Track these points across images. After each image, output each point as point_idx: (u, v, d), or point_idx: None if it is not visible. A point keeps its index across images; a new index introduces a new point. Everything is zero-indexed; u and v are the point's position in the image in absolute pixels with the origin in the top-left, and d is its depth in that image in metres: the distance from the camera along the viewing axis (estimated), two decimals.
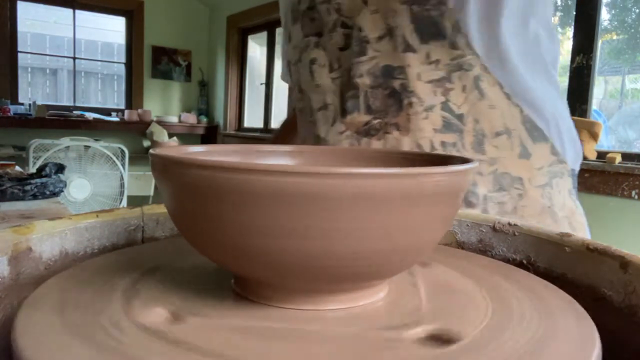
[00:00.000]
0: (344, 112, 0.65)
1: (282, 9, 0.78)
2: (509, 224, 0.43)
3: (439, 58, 0.60)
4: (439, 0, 0.58)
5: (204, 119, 5.19)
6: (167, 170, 0.27)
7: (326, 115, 0.67)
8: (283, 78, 0.92)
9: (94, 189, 2.83)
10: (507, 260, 0.42)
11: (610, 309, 0.34)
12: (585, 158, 2.12)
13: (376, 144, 0.62)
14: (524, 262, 0.41)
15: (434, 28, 0.59)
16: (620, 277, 0.34)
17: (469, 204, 0.60)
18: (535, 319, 0.28)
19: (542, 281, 0.35)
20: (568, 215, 0.64)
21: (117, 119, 4.82)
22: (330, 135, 0.66)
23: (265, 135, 4.39)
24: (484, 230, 0.44)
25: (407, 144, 0.61)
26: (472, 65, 0.59)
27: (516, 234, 0.42)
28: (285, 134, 0.96)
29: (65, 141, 2.87)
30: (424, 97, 0.60)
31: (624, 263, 0.34)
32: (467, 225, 0.45)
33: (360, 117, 0.63)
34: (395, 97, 0.61)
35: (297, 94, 0.74)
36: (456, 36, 0.59)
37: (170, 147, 0.35)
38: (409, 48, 0.60)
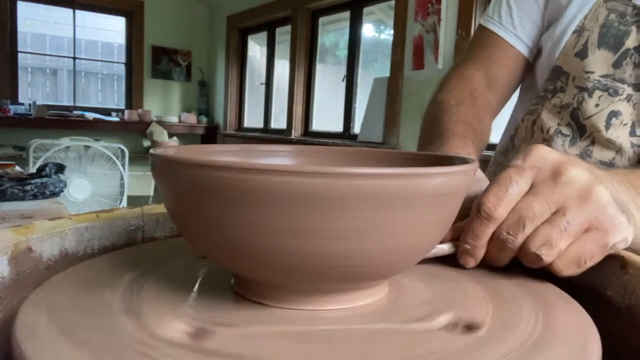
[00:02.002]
0: None
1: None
2: None
3: None
4: None
5: (204, 119, 5.19)
6: (167, 170, 0.27)
7: None
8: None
9: (94, 189, 2.83)
10: None
11: (610, 309, 0.34)
12: None
13: None
14: None
15: None
16: (620, 277, 0.34)
17: None
18: (536, 319, 0.28)
19: (542, 281, 0.35)
20: None
21: (117, 119, 4.82)
22: None
23: (265, 136, 4.38)
24: None
25: None
26: None
27: None
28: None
29: (65, 141, 2.87)
30: None
31: (624, 263, 0.34)
32: None
33: None
34: None
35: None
36: None
37: (171, 147, 0.35)
38: None
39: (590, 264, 0.33)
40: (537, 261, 0.33)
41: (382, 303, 0.30)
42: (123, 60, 5.10)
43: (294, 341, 0.25)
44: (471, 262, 0.36)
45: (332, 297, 0.28)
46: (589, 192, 0.33)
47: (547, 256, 0.32)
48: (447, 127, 0.62)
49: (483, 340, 0.26)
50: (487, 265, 0.36)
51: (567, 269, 0.33)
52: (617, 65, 0.63)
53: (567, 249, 0.32)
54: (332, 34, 4.21)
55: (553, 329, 0.27)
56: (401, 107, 2.95)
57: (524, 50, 0.74)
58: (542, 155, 0.35)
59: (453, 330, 0.27)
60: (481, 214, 0.34)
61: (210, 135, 5.16)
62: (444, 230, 0.29)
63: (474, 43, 0.80)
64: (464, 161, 0.32)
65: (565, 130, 0.67)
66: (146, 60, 5.01)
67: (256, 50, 4.97)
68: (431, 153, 0.44)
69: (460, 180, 0.27)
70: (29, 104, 4.42)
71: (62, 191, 1.17)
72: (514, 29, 0.74)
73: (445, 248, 0.37)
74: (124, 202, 3.03)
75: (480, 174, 0.43)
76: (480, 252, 0.35)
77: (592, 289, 0.35)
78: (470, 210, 0.35)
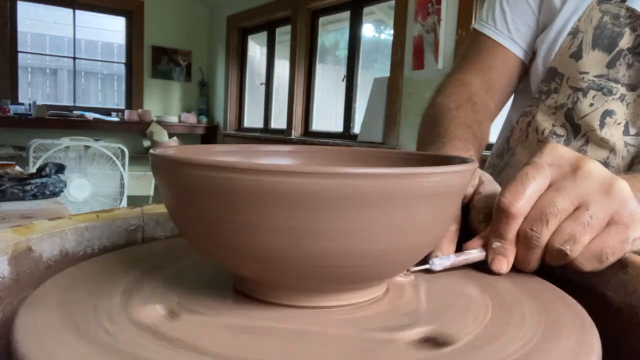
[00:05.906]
0: None
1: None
2: None
3: None
4: None
5: (204, 119, 5.18)
6: (167, 170, 0.27)
7: None
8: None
9: (94, 189, 2.83)
10: None
11: (610, 309, 0.34)
12: None
13: None
14: None
15: None
16: (620, 277, 0.34)
17: None
18: (536, 319, 0.28)
19: (543, 281, 0.35)
20: None
21: (117, 119, 4.82)
22: None
23: (265, 136, 4.38)
24: None
25: None
26: None
27: None
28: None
29: (65, 141, 2.87)
30: None
31: (623, 263, 0.34)
32: None
33: None
34: None
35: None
36: None
37: (170, 147, 0.35)
38: None
39: (612, 259, 0.33)
40: (562, 257, 0.33)
41: (380, 305, 0.30)
42: (123, 60, 5.10)
43: (285, 338, 0.25)
44: (504, 265, 0.35)
45: (329, 296, 0.28)
46: (610, 186, 0.33)
47: (573, 251, 0.32)
48: (449, 129, 0.62)
49: (448, 355, 0.24)
50: (486, 269, 0.36)
51: (589, 264, 0.33)
52: (611, 65, 0.63)
53: (589, 244, 0.33)
54: (332, 34, 4.21)
55: (553, 328, 0.27)
56: (401, 107, 2.94)
57: (520, 53, 0.75)
58: (558, 152, 0.35)
59: (419, 345, 0.25)
60: (500, 211, 0.34)
61: (210, 135, 5.16)
62: (443, 229, 0.29)
63: (469, 48, 0.80)
64: (463, 161, 0.32)
65: (560, 130, 0.67)
66: (146, 60, 5.01)
67: (256, 50, 4.96)
68: (431, 153, 0.44)
69: (459, 180, 0.27)
70: (29, 104, 4.42)
71: (62, 191, 1.17)
72: (509, 32, 0.74)
73: (475, 253, 0.36)
74: (124, 202, 3.03)
75: (487, 176, 0.43)
76: (510, 253, 0.35)
77: (592, 289, 0.35)
78: (493, 212, 0.35)
